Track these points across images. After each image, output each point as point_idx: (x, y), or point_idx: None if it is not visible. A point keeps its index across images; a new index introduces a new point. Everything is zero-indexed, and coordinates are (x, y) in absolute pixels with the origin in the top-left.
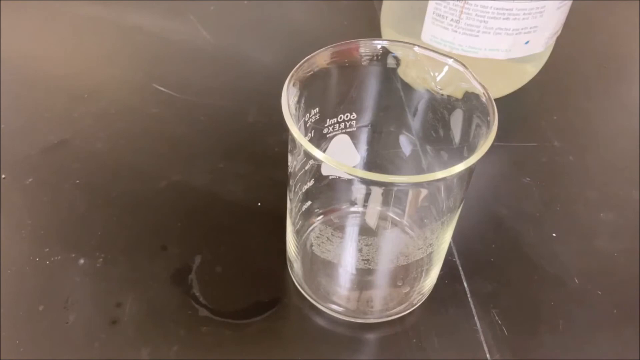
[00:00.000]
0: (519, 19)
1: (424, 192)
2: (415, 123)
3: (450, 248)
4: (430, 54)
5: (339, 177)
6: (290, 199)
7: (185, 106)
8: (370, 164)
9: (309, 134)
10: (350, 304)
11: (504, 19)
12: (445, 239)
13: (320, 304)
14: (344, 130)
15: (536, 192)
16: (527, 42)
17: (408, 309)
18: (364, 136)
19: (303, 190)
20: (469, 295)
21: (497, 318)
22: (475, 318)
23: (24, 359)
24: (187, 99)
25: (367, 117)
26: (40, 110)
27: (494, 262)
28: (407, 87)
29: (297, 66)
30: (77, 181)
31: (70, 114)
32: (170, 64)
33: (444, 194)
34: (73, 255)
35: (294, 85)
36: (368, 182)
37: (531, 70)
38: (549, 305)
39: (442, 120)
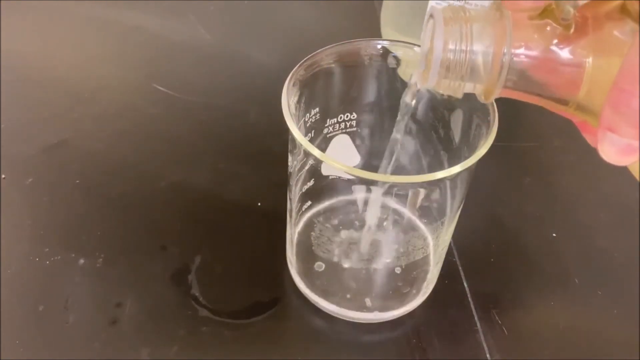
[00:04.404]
0: None
1: (423, 192)
2: (415, 123)
3: (450, 248)
4: None
5: (339, 177)
6: (290, 199)
7: (185, 106)
8: (371, 164)
9: (309, 134)
10: (350, 304)
11: None
12: (445, 239)
13: (320, 304)
14: (344, 130)
15: (536, 192)
16: None
17: (408, 309)
18: (364, 136)
19: (303, 190)
20: (469, 295)
21: (497, 318)
22: (475, 318)
23: (24, 359)
24: (187, 99)
25: (367, 117)
26: (40, 110)
27: (494, 262)
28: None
29: (297, 66)
30: (77, 181)
31: (70, 114)
32: (170, 64)
33: (444, 193)
34: (73, 255)
35: (294, 85)
36: (368, 182)
37: None
38: (549, 305)
39: (442, 120)
